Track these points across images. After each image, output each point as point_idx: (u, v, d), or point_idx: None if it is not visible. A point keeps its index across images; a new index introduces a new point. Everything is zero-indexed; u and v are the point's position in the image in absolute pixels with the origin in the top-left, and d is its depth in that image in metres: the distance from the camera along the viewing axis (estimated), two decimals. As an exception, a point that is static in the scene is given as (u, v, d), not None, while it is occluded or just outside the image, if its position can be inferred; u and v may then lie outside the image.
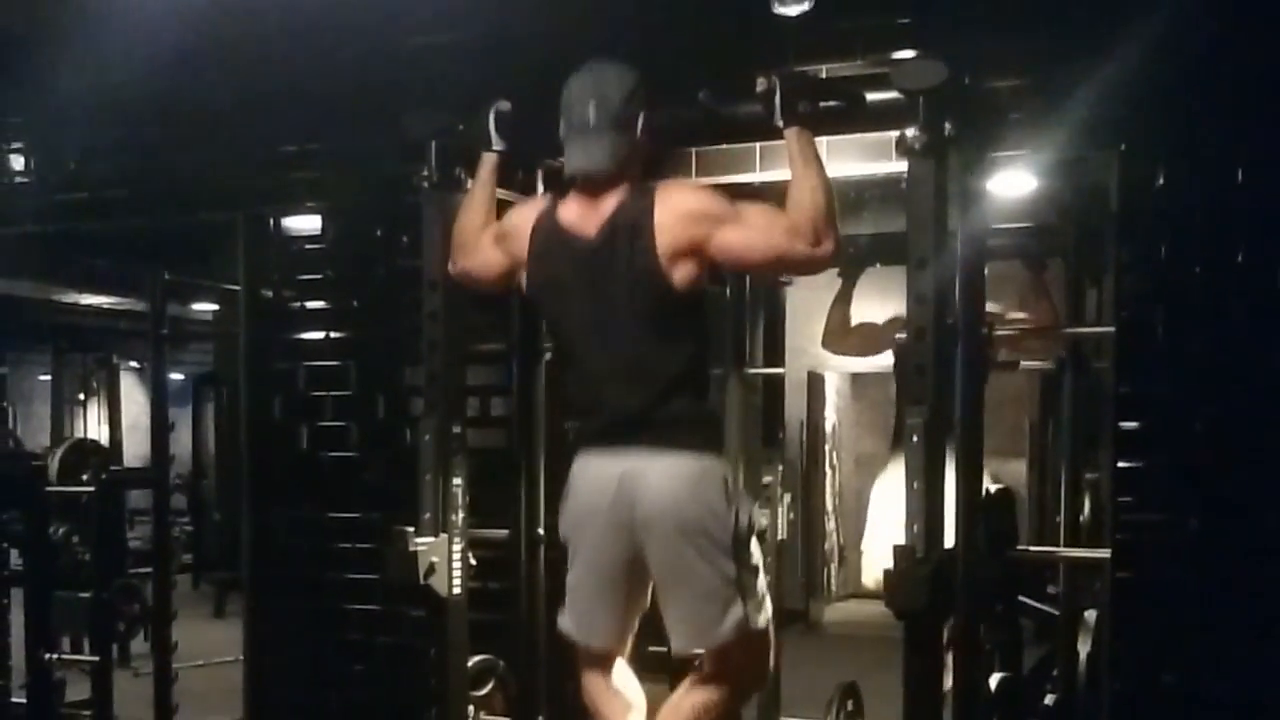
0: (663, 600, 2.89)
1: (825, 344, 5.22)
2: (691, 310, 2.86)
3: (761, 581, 2.91)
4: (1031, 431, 7.42)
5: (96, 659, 5.11)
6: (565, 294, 2.90)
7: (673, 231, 2.77)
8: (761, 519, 3.06)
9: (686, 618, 2.85)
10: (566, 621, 3.02)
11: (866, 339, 5.22)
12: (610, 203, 2.84)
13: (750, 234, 2.76)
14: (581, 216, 2.87)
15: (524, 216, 2.98)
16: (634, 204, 2.81)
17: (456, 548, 3.20)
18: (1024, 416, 7.19)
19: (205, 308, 9.02)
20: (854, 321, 5.14)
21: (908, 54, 3.45)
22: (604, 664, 3.04)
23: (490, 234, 3.09)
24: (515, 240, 2.99)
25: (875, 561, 5.13)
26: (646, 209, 2.79)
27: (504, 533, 3.48)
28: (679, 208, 2.79)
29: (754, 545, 2.88)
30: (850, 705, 5.17)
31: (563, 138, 2.90)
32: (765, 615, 2.92)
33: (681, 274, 2.78)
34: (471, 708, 3.37)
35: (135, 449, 10.45)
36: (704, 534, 2.77)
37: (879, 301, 5.16)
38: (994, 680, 2.86)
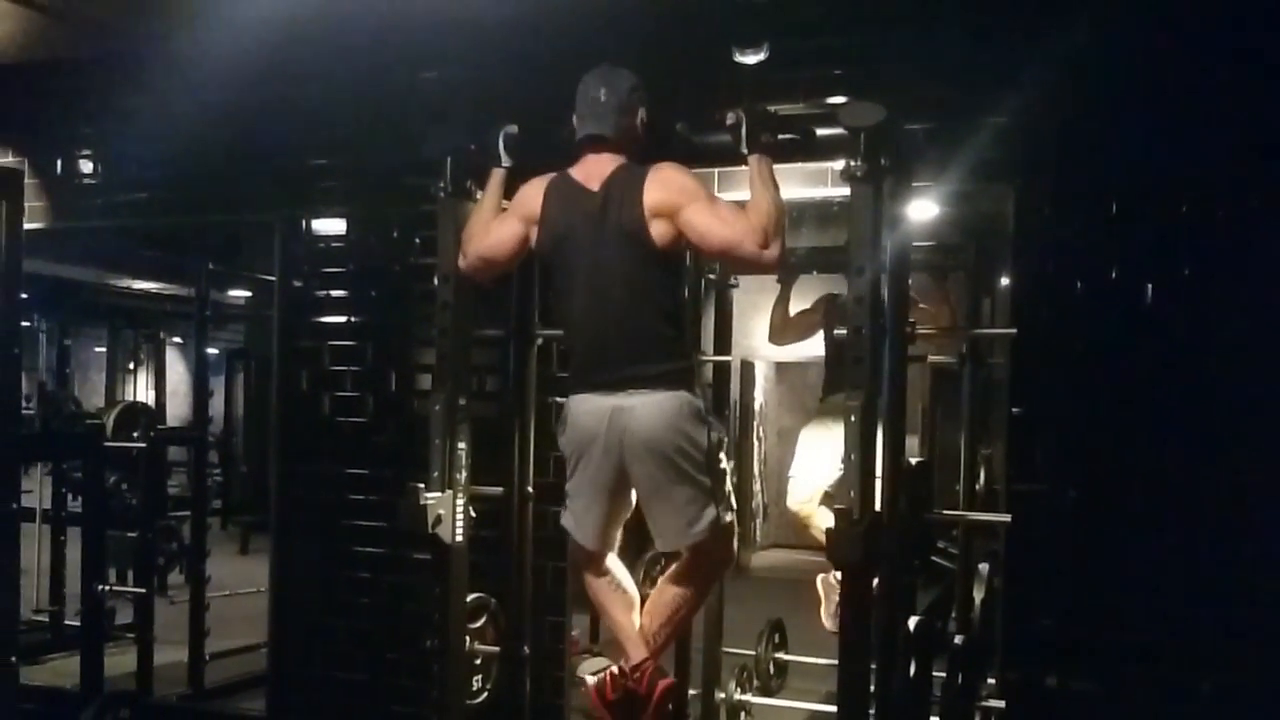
0: (648, 511, 2.89)
1: (771, 339, 5.16)
2: (670, 272, 2.84)
3: (728, 483, 2.90)
4: (923, 414, 7.45)
5: (141, 590, 4.99)
6: (571, 242, 2.86)
7: (657, 194, 2.76)
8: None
9: (670, 524, 2.85)
10: (568, 520, 3.00)
11: (801, 327, 5.18)
12: (611, 166, 2.85)
13: (715, 220, 2.73)
14: (587, 175, 2.86)
15: (536, 185, 2.96)
16: (631, 170, 2.83)
17: (460, 502, 3.11)
18: (917, 401, 7.20)
19: (238, 294, 8.89)
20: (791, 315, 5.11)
21: (839, 99, 3.45)
22: (598, 560, 3.02)
23: (502, 216, 3.04)
24: (529, 203, 2.94)
25: (799, 486, 5.02)
26: (641, 174, 2.80)
27: (498, 490, 3.39)
28: (667, 177, 2.79)
29: (722, 454, 2.87)
30: (777, 638, 5.20)
31: (576, 116, 2.91)
32: (730, 511, 2.91)
33: (659, 231, 2.76)
34: (468, 638, 3.29)
35: (175, 411, 10.24)
36: (683, 455, 2.78)
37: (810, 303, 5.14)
38: (911, 622, 2.81)
